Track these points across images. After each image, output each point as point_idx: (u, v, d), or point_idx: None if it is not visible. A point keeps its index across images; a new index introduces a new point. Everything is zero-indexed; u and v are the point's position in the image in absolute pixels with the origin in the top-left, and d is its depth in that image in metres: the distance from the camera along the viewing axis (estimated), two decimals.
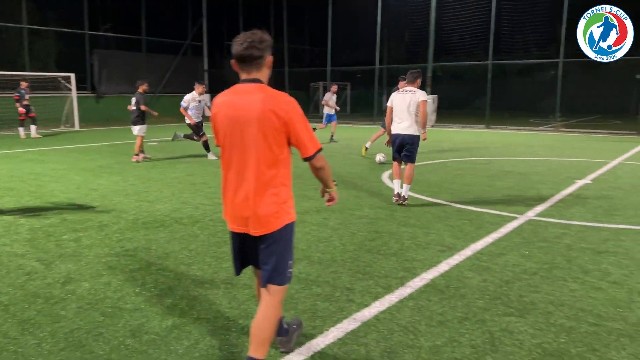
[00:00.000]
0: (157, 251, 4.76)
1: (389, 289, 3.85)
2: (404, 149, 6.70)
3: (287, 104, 2.44)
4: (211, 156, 11.20)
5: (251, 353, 2.54)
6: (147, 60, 26.06)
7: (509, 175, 9.19)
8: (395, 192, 6.76)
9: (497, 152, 12.94)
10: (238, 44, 2.46)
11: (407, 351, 2.94)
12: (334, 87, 15.56)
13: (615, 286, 3.95)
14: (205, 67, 29.40)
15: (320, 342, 3.04)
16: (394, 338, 3.09)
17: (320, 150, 2.54)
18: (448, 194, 7.38)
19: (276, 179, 2.51)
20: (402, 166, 6.84)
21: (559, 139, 16.63)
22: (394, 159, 6.89)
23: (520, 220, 5.93)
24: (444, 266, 4.37)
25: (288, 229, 2.58)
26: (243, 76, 2.52)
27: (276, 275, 2.56)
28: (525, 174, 9.24)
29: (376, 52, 23.82)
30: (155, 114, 11.37)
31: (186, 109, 10.86)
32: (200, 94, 10.97)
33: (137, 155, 10.80)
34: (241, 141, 2.48)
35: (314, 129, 15.39)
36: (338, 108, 15.53)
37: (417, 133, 6.66)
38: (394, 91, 11.14)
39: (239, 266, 2.74)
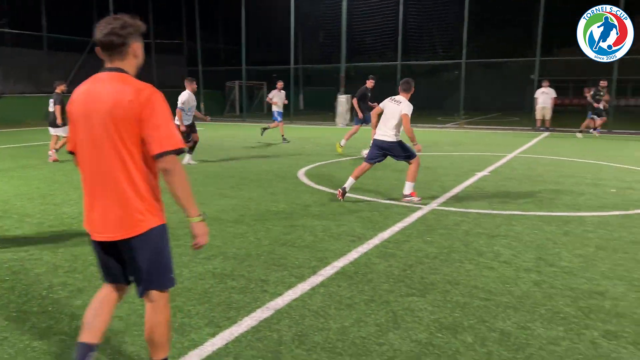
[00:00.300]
0: (64, 254, 4.62)
1: (301, 278, 4.01)
2: (392, 155, 6.85)
3: (146, 95, 2.18)
4: (189, 161, 10.29)
5: (153, 356, 2.49)
6: (49, 58, 24.57)
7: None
8: (343, 187, 6.84)
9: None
10: (99, 30, 2.24)
11: (317, 333, 3.12)
12: (280, 84, 15.11)
13: (504, 265, 4.37)
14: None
15: (234, 331, 3.14)
16: (305, 322, 3.26)
17: (176, 151, 2.21)
18: (360, 189, 7.70)
19: (137, 179, 2.24)
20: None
21: (463, 135, 17.72)
22: (370, 159, 6.92)
23: (425, 210, 6.34)
24: (353, 254, 4.61)
25: (156, 232, 2.32)
26: (106, 65, 2.30)
27: (153, 280, 2.37)
28: (431, 168, 9.81)
29: (291, 52, 24.05)
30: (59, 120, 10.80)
31: (182, 110, 9.98)
32: (193, 91, 10.15)
33: (52, 152, 10.48)
34: (94, 137, 2.23)
35: (265, 128, 15.34)
36: (286, 101, 15.23)
37: (393, 140, 6.74)
38: (363, 90, 11.36)
39: (110, 275, 2.49)
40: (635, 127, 16.42)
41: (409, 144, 6.88)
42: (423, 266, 4.32)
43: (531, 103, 19.44)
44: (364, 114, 12.20)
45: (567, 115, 23.67)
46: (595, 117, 16.15)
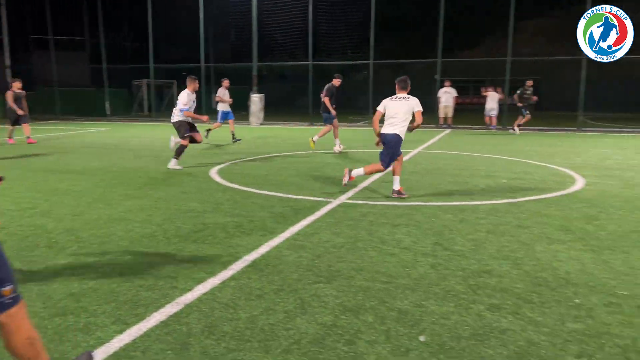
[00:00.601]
0: None
1: (212, 273, 4.06)
2: (386, 147, 7.12)
3: None
4: (174, 165, 9.51)
5: None
6: None
7: (328, 166, 10.02)
8: (397, 189, 7.06)
9: (320, 146, 13.88)
10: None
11: (226, 324, 3.20)
12: (226, 82, 14.64)
13: (405, 251, 4.69)
14: (8, 62, 26.19)
15: (142, 327, 3.15)
16: (215, 314, 3.33)
17: None
18: (273, 186, 7.82)
19: None
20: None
21: (372, 133, 18.35)
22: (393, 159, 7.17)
23: (334, 203, 6.59)
24: (265, 248, 4.73)
25: None
26: None
27: None
28: (342, 164, 10.14)
29: (201, 50, 23.65)
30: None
31: (187, 110, 9.47)
32: (194, 90, 9.64)
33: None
34: None
35: (208, 130, 14.86)
36: (231, 100, 14.81)
37: (398, 134, 7.03)
38: (331, 88, 11.84)
39: None
40: (525, 123, 17.88)
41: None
42: (330, 255, 4.52)
43: (436, 102, 20.53)
44: (329, 112, 12.49)
45: (467, 113, 25.25)
46: (527, 113, 17.33)
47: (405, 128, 7.10)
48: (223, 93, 14.54)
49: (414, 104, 7.04)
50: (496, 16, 27.08)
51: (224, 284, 3.87)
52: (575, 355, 2.85)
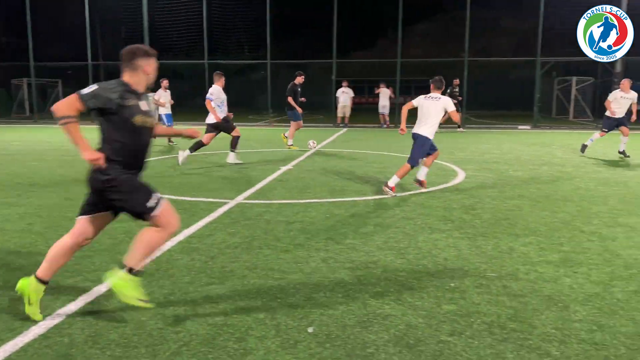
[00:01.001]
0: None
1: (98, 281, 3.91)
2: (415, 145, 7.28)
3: None
4: (182, 155, 9.87)
5: None
6: None
7: (225, 166, 9.94)
8: (420, 179, 7.49)
9: (218, 146, 13.71)
10: None
11: (112, 332, 3.11)
12: (165, 82, 13.75)
13: (298, 247, 4.81)
14: None
15: (18, 342, 2.97)
16: (99, 323, 3.22)
17: None
18: (167, 188, 7.62)
19: None
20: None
21: (272, 133, 18.48)
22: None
23: (231, 204, 6.58)
24: (155, 253, 4.60)
25: None
26: None
27: None
28: (239, 164, 10.11)
29: (88, 47, 22.32)
30: None
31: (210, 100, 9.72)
32: (221, 86, 10.00)
33: None
34: None
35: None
36: (172, 101, 13.95)
37: (428, 136, 7.19)
38: (292, 87, 12.19)
39: None
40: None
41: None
42: (224, 256, 4.53)
43: (335, 102, 21.05)
44: (294, 110, 12.57)
45: (364, 112, 26.20)
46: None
47: (435, 127, 7.30)
48: (161, 95, 13.68)
49: (445, 104, 7.19)
50: (388, 20, 28.36)
51: (110, 291, 3.73)
52: (448, 334, 3.12)
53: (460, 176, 8.76)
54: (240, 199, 6.92)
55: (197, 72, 23.60)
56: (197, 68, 23.70)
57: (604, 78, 25.20)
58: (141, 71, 3.27)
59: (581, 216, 6.04)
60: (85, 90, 3.13)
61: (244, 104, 28.18)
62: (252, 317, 3.31)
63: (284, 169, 9.63)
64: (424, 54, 29.66)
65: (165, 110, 13.85)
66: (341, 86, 20.74)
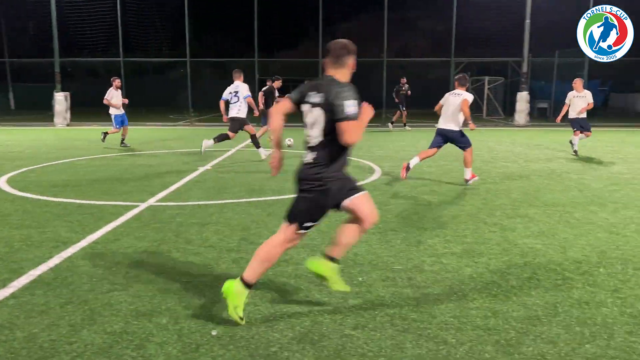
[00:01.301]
0: None
1: None
2: (454, 143, 7.93)
3: None
4: (263, 152, 10.64)
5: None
6: None
7: (139, 168, 9.59)
8: (407, 165, 7.98)
9: (135, 147, 13.21)
10: None
11: None
12: (117, 81, 12.81)
13: (210, 249, 4.71)
14: None
15: None
16: None
17: None
18: (73, 192, 7.23)
19: None
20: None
21: (192, 132, 18.06)
22: (433, 145, 8.02)
23: (141, 207, 6.34)
24: (55, 260, 4.36)
25: None
26: None
27: None
28: (154, 165, 9.79)
29: None
30: None
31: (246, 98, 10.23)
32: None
33: None
34: None
35: (106, 133, 12.69)
36: (126, 101, 13.05)
37: (456, 129, 7.83)
38: (270, 89, 12.44)
39: None
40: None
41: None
42: (129, 261, 4.35)
43: (266, 102, 20.90)
44: (264, 114, 12.54)
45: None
46: (404, 109, 18.73)
47: (459, 121, 7.80)
48: (111, 95, 12.83)
49: (463, 96, 7.71)
50: (311, 19, 28.52)
51: (1, 303, 3.48)
52: (351, 327, 3.17)
53: (377, 173, 8.97)
54: (152, 201, 6.69)
55: (114, 70, 22.62)
56: (113, 66, 22.73)
57: (512, 78, 26.81)
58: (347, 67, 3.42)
59: (485, 208, 6.37)
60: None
61: (162, 103, 27.35)
62: (154, 323, 3.20)
63: (202, 169, 9.43)
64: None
65: (116, 111, 12.99)
66: (266, 85, 20.62)
